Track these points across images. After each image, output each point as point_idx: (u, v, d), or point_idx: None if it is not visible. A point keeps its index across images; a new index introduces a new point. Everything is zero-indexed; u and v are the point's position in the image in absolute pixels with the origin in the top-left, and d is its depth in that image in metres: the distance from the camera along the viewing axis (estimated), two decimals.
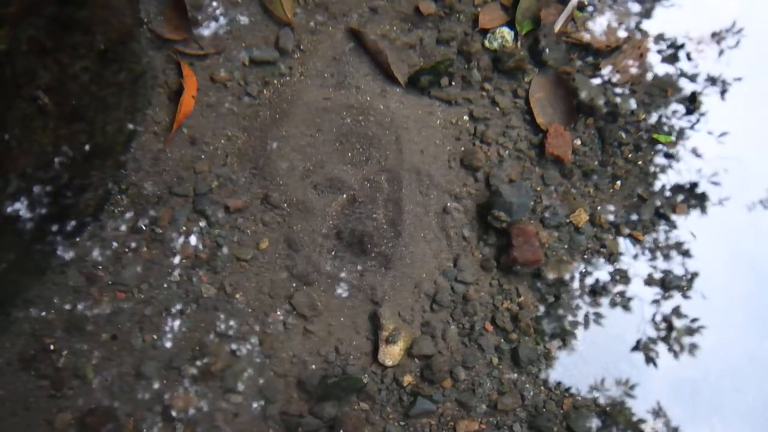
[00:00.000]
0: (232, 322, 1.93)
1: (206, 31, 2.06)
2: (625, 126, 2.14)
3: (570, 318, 2.02)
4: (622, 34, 2.19)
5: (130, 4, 1.88)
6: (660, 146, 2.15)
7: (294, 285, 1.97)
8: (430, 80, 2.10)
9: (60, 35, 1.63)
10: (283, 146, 2.02)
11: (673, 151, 2.15)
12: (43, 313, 1.86)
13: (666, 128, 2.16)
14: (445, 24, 2.15)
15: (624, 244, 2.09)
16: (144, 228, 1.94)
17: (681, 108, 2.18)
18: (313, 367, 1.93)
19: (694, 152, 2.16)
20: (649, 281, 2.07)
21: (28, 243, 1.78)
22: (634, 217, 2.10)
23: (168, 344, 1.90)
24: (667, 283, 2.07)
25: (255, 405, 1.89)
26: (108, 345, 1.88)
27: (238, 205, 1.99)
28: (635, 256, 2.08)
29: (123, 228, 1.93)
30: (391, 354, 1.93)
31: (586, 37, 2.16)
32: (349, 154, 2.06)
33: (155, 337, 1.90)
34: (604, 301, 2.04)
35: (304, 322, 1.96)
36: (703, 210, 2.13)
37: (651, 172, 2.14)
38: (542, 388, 1.98)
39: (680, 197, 2.13)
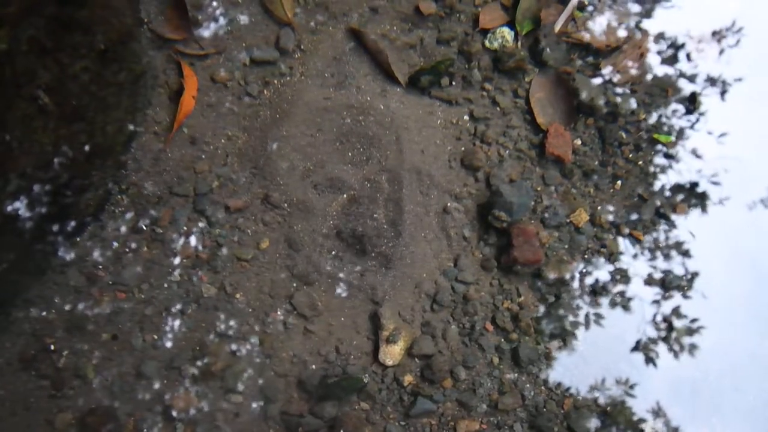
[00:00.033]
0: (232, 322, 1.93)
1: (206, 31, 2.06)
2: (625, 126, 2.14)
3: (570, 318, 2.02)
4: (622, 34, 2.19)
5: (131, 4, 1.88)
6: (660, 146, 2.15)
7: (294, 285, 1.97)
8: (431, 80, 2.10)
9: (60, 35, 1.63)
10: (283, 146, 2.02)
11: (673, 151, 2.15)
12: (44, 313, 1.86)
13: (666, 128, 2.17)
14: (446, 24, 2.15)
15: (624, 243, 2.09)
16: (144, 228, 1.94)
17: (681, 108, 2.18)
18: (314, 366, 1.93)
19: (694, 152, 2.16)
20: (649, 281, 2.07)
21: (28, 243, 1.78)
22: (635, 216, 2.10)
23: (168, 344, 1.89)
24: (667, 283, 2.07)
25: (255, 405, 1.89)
26: (108, 345, 1.88)
27: (238, 205, 1.98)
28: (635, 256, 2.08)
29: (123, 228, 1.93)
30: (392, 354, 1.93)
31: (586, 37, 2.16)
32: (350, 154, 2.06)
33: (156, 337, 1.90)
34: (604, 301, 2.05)
35: (304, 322, 1.96)
36: (704, 210, 2.13)
37: (651, 172, 2.14)
38: (543, 387, 1.98)
39: (680, 197, 2.13)
